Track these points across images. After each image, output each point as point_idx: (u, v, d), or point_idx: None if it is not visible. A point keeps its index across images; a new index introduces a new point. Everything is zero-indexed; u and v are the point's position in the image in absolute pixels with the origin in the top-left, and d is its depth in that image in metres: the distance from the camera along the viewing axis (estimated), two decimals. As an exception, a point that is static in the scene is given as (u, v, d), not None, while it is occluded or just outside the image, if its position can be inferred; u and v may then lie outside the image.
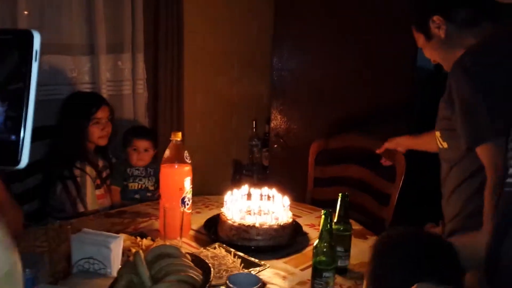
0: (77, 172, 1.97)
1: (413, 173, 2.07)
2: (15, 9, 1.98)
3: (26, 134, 0.44)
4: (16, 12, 1.99)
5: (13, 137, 0.44)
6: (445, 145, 1.39)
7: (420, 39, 1.47)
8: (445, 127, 1.37)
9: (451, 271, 0.86)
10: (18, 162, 0.44)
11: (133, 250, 1.33)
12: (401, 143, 1.99)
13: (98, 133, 2.05)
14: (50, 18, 2.15)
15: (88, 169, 2.01)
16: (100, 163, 2.14)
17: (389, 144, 2.01)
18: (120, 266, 1.17)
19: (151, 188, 2.23)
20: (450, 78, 1.30)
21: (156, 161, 2.30)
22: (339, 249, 1.32)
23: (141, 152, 2.20)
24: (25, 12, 2.04)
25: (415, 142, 1.94)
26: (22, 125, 0.44)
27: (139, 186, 2.21)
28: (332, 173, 2.36)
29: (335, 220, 1.35)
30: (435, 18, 1.37)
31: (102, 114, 2.06)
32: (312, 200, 2.31)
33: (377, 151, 2.07)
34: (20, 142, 0.44)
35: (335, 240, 1.25)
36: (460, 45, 1.33)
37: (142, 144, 2.21)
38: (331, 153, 2.41)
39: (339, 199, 1.36)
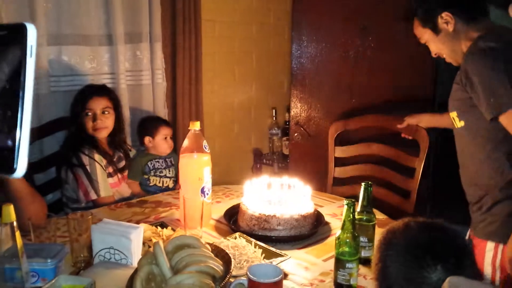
0: (85, 159, 1.95)
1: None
2: (33, 1, 1.99)
3: (23, 138, 0.40)
4: (34, 4, 1.99)
5: (9, 142, 0.40)
6: (462, 123, 1.51)
7: (425, 34, 1.59)
8: (460, 107, 1.50)
9: (456, 259, 0.84)
10: (13, 170, 0.40)
11: (154, 240, 1.32)
12: (423, 119, 2.09)
13: (90, 125, 2.00)
14: (68, 9, 2.15)
15: (97, 156, 1.99)
16: (115, 154, 2.13)
17: (410, 119, 2.11)
18: (140, 257, 1.16)
19: (172, 184, 2.24)
20: (466, 62, 1.42)
21: (174, 151, 2.31)
22: (362, 239, 1.28)
23: (169, 139, 2.23)
24: (44, 4, 2.04)
25: (436, 119, 2.05)
26: (18, 127, 0.40)
27: (160, 182, 2.21)
28: (353, 152, 2.38)
29: (358, 210, 1.31)
30: (443, 14, 1.50)
31: (94, 105, 2.01)
32: (333, 179, 2.37)
33: (399, 126, 2.15)
34: (16, 148, 0.40)
35: (358, 230, 1.22)
36: (465, 38, 1.49)
37: (169, 131, 2.27)
38: (351, 135, 2.44)
39: (362, 189, 1.32)
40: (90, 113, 2.01)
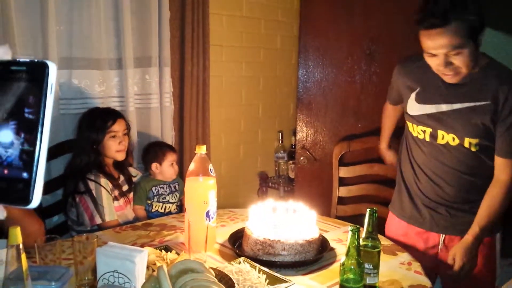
0: (92, 185, 1.97)
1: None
2: (46, 25, 2.04)
3: (39, 171, 0.42)
4: (46, 27, 2.05)
5: (25, 174, 0.41)
6: (474, 149, 1.62)
7: (466, 45, 1.47)
8: (483, 135, 1.59)
9: None
10: (29, 201, 0.42)
11: (158, 264, 1.32)
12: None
13: (115, 147, 2.05)
14: (79, 33, 2.21)
15: (103, 181, 2.00)
16: (120, 177, 2.15)
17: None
18: (144, 280, 1.16)
19: (174, 210, 2.24)
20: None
21: (179, 176, 2.33)
22: (367, 266, 1.27)
23: (175, 165, 2.24)
24: (56, 27, 2.10)
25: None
26: (35, 159, 0.41)
27: (163, 208, 2.22)
28: (357, 172, 2.43)
29: (363, 236, 1.30)
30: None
31: (118, 127, 2.06)
32: (338, 199, 2.42)
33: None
34: (32, 180, 0.41)
35: (363, 257, 1.21)
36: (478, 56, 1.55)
37: (175, 157, 2.29)
38: (355, 156, 2.49)
39: (367, 215, 1.32)
40: (116, 135, 2.05)
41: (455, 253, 1.65)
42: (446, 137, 1.65)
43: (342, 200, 2.45)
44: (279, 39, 3.27)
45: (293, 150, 3.22)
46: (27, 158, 0.41)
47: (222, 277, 1.19)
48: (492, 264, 1.74)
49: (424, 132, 1.70)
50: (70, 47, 2.20)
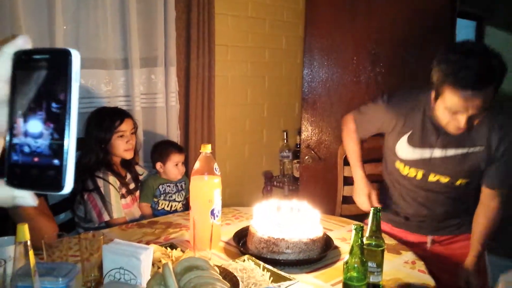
0: (100, 182, 2.00)
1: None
2: (53, 25, 2.07)
3: (70, 157, 0.42)
4: (54, 27, 2.07)
5: (55, 161, 0.42)
6: (464, 184, 1.74)
7: (489, 101, 1.48)
8: (474, 175, 1.71)
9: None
10: (62, 187, 0.42)
11: (163, 261, 1.33)
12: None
13: (123, 146, 2.07)
14: (86, 34, 2.23)
15: (111, 179, 2.03)
16: (127, 175, 2.17)
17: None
18: (149, 277, 1.18)
19: (180, 208, 2.25)
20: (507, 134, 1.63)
21: (185, 175, 2.34)
22: (370, 264, 1.27)
23: (180, 166, 2.24)
24: (63, 27, 2.12)
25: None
26: (65, 148, 0.42)
27: (169, 206, 2.23)
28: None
29: (367, 235, 1.31)
30: None
31: (126, 126, 2.09)
32: (343, 198, 2.40)
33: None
34: (63, 167, 0.42)
35: (367, 256, 1.22)
36: None
37: (181, 158, 2.27)
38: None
39: (371, 214, 1.32)
40: (123, 135, 2.07)
41: (467, 276, 1.72)
42: (437, 176, 1.74)
43: (346, 199, 2.45)
44: (284, 39, 3.28)
45: (298, 149, 3.23)
46: (57, 147, 0.42)
47: (226, 274, 1.20)
48: (483, 265, 1.84)
49: (416, 172, 1.77)
50: (76, 47, 2.22)
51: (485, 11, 5.02)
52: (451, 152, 1.68)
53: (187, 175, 2.40)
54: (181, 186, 2.28)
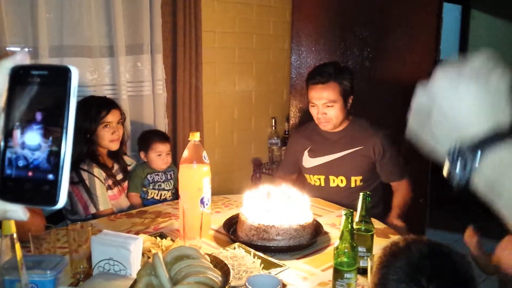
0: (85, 175, 1.96)
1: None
2: (36, 12, 2.02)
3: (64, 172, 0.42)
4: (36, 15, 2.02)
5: (50, 176, 0.42)
6: (359, 184, 2.13)
7: (334, 104, 2.06)
8: (363, 171, 2.12)
9: (452, 278, 0.82)
10: (56, 202, 0.42)
11: (153, 251, 1.33)
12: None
13: (109, 136, 2.03)
14: (70, 21, 2.18)
15: (96, 171, 2.00)
16: (114, 166, 2.14)
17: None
18: (139, 268, 1.17)
19: (169, 197, 2.24)
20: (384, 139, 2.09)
21: (174, 164, 2.31)
22: (360, 249, 1.29)
23: (164, 156, 2.21)
24: (46, 15, 2.07)
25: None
26: (61, 162, 0.42)
27: (158, 195, 2.21)
28: None
29: (356, 220, 1.32)
30: None
31: (112, 117, 2.04)
32: None
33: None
34: (59, 181, 0.42)
35: (357, 241, 1.22)
36: None
37: (165, 147, 2.21)
38: None
39: (360, 199, 1.33)
40: (109, 126, 2.03)
41: (392, 221, 2.01)
42: (336, 181, 2.10)
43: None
44: (272, 25, 3.24)
45: (286, 136, 3.22)
46: (54, 161, 0.42)
47: (217, 262, 1.20)
48: None
49: (319, 179, 2.14)
50: (60, 35, 2.17)
51: (471, -6, 5.03)
52: (340, 154, 2.09)
53: (175, 164, 2.39)
54: (170, 175, 2.26)
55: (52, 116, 0.43)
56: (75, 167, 1.96)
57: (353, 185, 2.10)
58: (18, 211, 0.45)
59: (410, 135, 0.55)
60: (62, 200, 0.42)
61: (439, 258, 0.86)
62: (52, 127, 0.43)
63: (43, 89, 0.43)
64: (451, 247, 0.89)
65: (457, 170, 0.50)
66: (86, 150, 1.99)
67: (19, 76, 0.44)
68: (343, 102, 2.04)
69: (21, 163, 0.43)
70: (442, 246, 0.88)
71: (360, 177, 2.09)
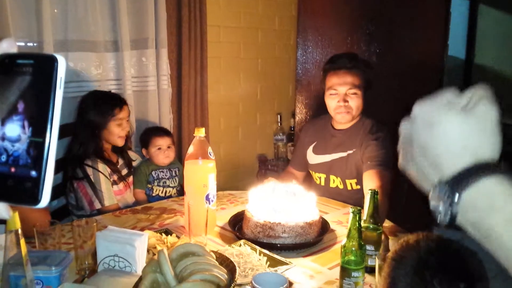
0: (89, 170, 1.96)
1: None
2: (41, 8, 2.00)
3: (48, 169, 0.40)
4: (41, 10, 2.01)
5: (33, 172, 0.40)
6: (355, 187, 2.03)
7: (358, 92, 1.97)
8: (357, 175, 2.01)
9: (459, 274, 0.81)
10: (38, 201, 0.40)
11: (158, 248, 1.32)
12: None
13: (119, 132, 2.04)
14: (74, 15, 2.17)
15: (101, 166, 1.99)
16: (119, 161, 2.14)
17: None
18: (145, 264, 1.16)
19: (174, 194, 2.23)
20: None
21: (179, 161, 2.31)
22: (368, 247, 1.27)
23: (165, 150, 2.20)
24: (51, 10, 2.06)
25: None
26: (44, 157, 0.40)
27: (163, 192, 2.21)
28: None
29: (364, 218, 1.30)
30: None
31: (123, 114, 2.05)
32: None
33: None
34: (41, 179, 0.40)
35: (365, 239, 1.21)
36: None
37: (165, 141, 2.21)
38: None
39: (368, 197, 1.31)
40: (120, 122, 2.04)
41: None
42: (336, 181, 2.04)
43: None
44: (277, 19, 3.22)
45: (292, 132, 3.21)
46: (36, 155, 0.40)
47: (223, 260, 1.18)
48: None
49: (320, 178, 2.09)
50: (65, 30, 2.16)
51: (479, -11, 4.97)
52: (338, 155, 2.02)
53: (180, 160, 2.37)
54: (175, 172, 2.25)
55: (35, 107, 0.40)
56: (80, 162, 1.95)
57: (349, 187, 2.02)
58: (1, 210, 0.42)
59: (401, 167, 0.53)
60: (45, 199, 0.40)
61: (446, 254, 0.86)
62: (35, 119, 0.40)
63: (28, 78, 0.41)
64: (462, 244, 0.87)
65: (440, 207, 0.47)
66: (92, 146, 1.99)
67: (4, 65, 0.42)
68: (363, 94, 1.96)
69: (3, 158, 0.40)
70: (452, 242, 0.87)
71: (355, 180, 2.00)
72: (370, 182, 1.78)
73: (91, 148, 1.98)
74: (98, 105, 2.01)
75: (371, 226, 1.30)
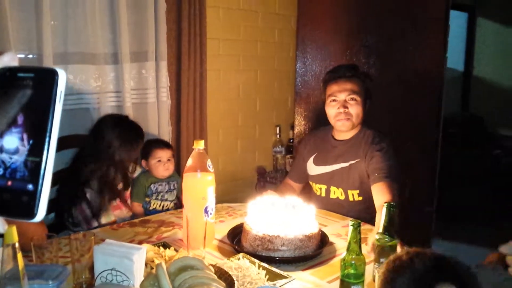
0: (89, 193, 1.95)
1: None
2: (41, 20, 2.02)
3: (45, 183, 0.40)
4: (41, 22, 2.02)
5: (30, 186, 0.40)
6: (357, 198, 2.02)
7: (358, 98, 1.97)
8: (360, 185, 2.00)
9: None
10: (34, 215, 0.40)
11: (156, 262, 1.30)
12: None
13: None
14: (74, 28, 2.18)
15: (99, 188, 1.98)
16: (117, 178, 2.12)
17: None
18: (143, 278, 1.15)
19: (172, 207, 2.23)
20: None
21: (177, 174, 2.30)
22: (382, 261, 1.23)
23: (165, 162, 2.20)
24: (51, 22, 2.07)
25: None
26: (41, 171, 0.39)
27: (161, 206, 2.20)
28: None
29: (379, 231, 1.28)
30: None
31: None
32: None
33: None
34: (38, 193, 0.39)
35: (379, 253, 1.20)
36: None
37: (165, 153, 2.21)
38: None
39: (384, 209, 1.28)
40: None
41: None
42: (336, 192, 2.02)
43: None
44: (277, 32, 3.24)
45: (291, 144, 3.21)
46: (33, 168, 0.40)
47: (221, 273, 1.17)
48: None
49: (320, 189, 2.07)
50: (65, 42, 2.17)
51: (477, 2, 5.01)
52: (340, 165, 2.01)
53: (178, 173, 2.37)
54: (173, 185, 2.25)
55: (34, 120, 0.40)
56: (81, 184, 1.94)
57: (351, 199, 2.00)
58: None
59: None
60: (41, 213, 0.40)
61: (444, 271, 0.84)
62: (33, 132, 0.40)
63: (28, 91, 0.41)
64: (456, 259, 0.87)
65: None
66: (101, 174, 1.97)
67: (5, 78, 0.42)
68: (363, 102, 1.98)
69: (0, 171, 0.40)
70: (446, 258, 0.86)
71: (357, 191, 1.98)
72: (381, 195, 1.76)
73: (97, 173, 1.97)
74: (111, 128, 2.04)
75: (387, 239, 1.28)
